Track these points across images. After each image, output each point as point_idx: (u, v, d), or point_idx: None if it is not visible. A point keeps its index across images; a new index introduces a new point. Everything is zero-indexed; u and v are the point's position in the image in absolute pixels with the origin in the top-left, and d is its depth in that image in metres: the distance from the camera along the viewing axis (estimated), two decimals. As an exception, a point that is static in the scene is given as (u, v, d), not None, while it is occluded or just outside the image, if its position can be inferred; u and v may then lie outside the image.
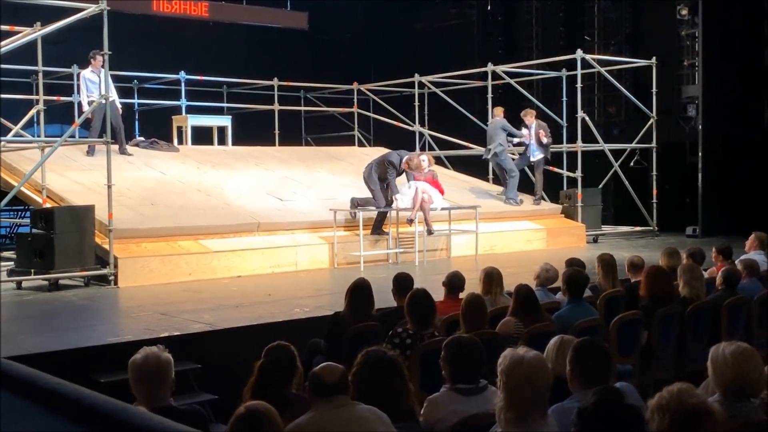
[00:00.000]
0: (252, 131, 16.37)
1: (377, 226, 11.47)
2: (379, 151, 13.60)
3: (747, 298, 6.52)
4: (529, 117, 14.01)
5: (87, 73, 12.19)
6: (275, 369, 3.95)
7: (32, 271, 8.93)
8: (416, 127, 17.18)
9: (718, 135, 14.87)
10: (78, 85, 12.83)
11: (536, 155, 13.96)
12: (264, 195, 12.09)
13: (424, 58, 18.96)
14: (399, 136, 16.76)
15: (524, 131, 13.90)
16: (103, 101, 10.41)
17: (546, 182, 14.32)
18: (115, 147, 11.56)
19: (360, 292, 5.83)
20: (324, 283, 9.54)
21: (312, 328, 6.37)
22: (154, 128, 15.80)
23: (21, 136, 11.37)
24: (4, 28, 10.14)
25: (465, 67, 17.05)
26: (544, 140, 13.76)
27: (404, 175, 11.83)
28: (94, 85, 12.00)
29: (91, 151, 12.32)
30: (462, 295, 5.84)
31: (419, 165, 11.55)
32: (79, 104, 12.85)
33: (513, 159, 14.31)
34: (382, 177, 11.38)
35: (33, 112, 11.55)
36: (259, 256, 10.17)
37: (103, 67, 10.56)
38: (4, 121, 11.60)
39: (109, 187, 9.29)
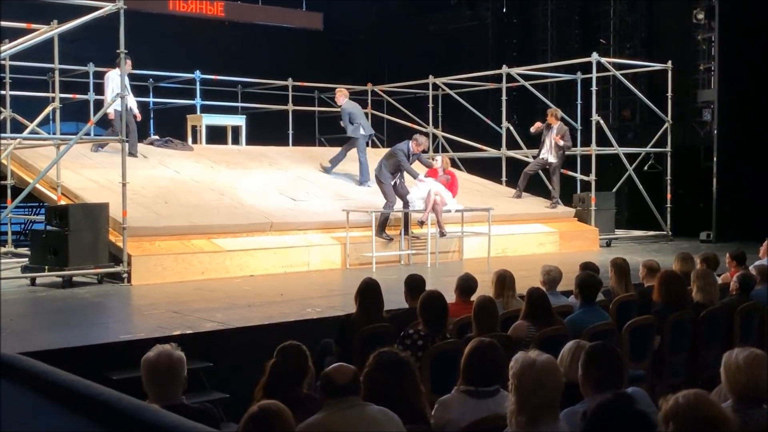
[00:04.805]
0: (266, 131, 16.42)
1: (381, 228, 11.23)
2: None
3: (760, 304, 6.49)
4: (551, 117, 13.90)
5: (113, 74, 12.11)
6: (287, 369, 3.95)
7: (46, 267, 8.97)
8: (430, 129, 17.16)
9: (734, 140, 14.82)
10: (101, 84, 12.78)
11: (552, 159, 13.89)
12: (277, 195, 12.11)
13: (438, 59, 18.94)
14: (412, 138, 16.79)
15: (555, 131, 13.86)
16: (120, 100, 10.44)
17: (560, 185, 14.28)
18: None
19: (369, 291, 5.85)
20: (336, 284, 9.55)
21: (323, 329, 6.38)
22: (169, 127, 15.86)
23: (37, 133, 11.43)
24: (21, 25, 10.21)
25: (479, 69, 17.04)
26: (561, 143, 13.69)
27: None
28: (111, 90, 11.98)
29: (96, 147, 12.24)
30: (474, 298, 5.84)
31: (426, 143, 11.69)
32: (95, 102, 12.90)
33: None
34: (393, 170, 11.33)
35: (49, 109, 11.61)
36: (272, 256, 10.20)
37: (119, 66, 10.59)
38: (20, 119, 11.67)
39: (124, 185, 9.32)
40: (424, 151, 11.89)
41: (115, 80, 11.99)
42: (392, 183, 11.35)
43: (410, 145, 11.42)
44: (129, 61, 11.37)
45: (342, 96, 13.91)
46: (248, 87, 18.05)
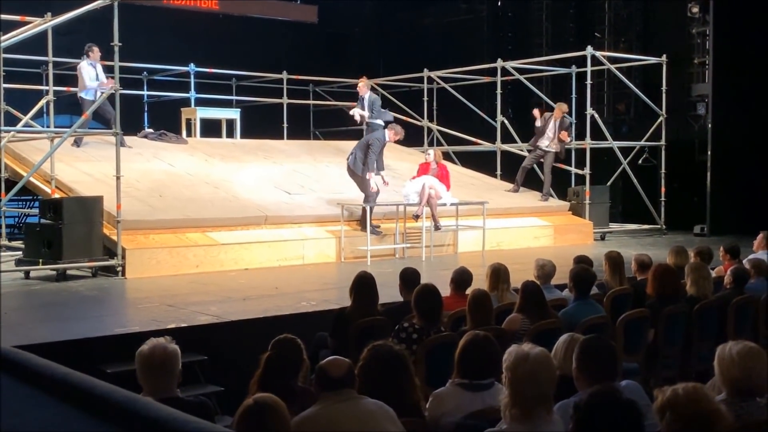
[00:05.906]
0: (260, 124, 16.39)
1: (366, 220, 10.82)
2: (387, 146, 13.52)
3: (754, 298, 6.51)
4: (559, 112, 13.88)
5: (84, 64, 11.93)
6: (282, 362, 3.96)
7: (40, 261, 8.95)
8: (424, 123, 17.17)
9: (728, 133, 14.84)
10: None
11: (552, 148, 13.87)
12: (272, 188, 12.10)
13: (433, 53, 18.94)
14: (407, 131, 16.72)
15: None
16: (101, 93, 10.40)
17: (554, 179, 14.30)
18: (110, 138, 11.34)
19: (364, 285, 5.85)
20: (330, 277, 9.55)
21: (318, 322, 6.37)
22: (163, 120, 15.83)
23: (30, 126, 11.40)
24: (15, 18, 10.17)
25: (474, 62, 17.04)
26: (567, 139, 13.76)
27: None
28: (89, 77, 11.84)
29: (77, 142, 11.97)
30: (468, 291, 5.85)
31: (402, 132, 11.50)
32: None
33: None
34: (367, 161, 10.98)
35: (42, 102, 11.57)
36: (267, 249, 10.19)
37: (88, 56, 10.48)
38: (13, 111, 11.62)
39: (118, 178, 9.30)
40: (398, 141, 11.82)
41: (86, 70, 11.84)
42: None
43: (387, 134, 11.35)
44: (96, 49, 11.35)
45: (365, 87, 13.75)
46: (243, 80, 18.02)
